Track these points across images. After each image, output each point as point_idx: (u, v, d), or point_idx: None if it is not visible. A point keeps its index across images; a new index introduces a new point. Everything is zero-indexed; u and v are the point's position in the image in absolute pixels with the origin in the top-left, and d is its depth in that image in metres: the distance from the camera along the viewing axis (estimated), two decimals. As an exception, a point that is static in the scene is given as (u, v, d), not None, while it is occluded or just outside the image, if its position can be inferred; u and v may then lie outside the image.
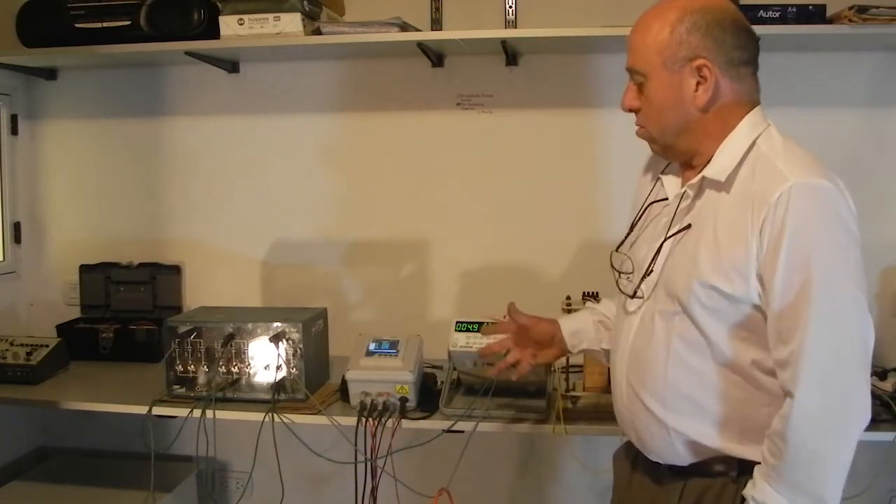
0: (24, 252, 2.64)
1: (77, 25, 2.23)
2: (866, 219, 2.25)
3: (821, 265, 1.17)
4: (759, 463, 1.24)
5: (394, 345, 1.94)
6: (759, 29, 1.93)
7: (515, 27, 2.31)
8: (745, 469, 1.27)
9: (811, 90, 2.23)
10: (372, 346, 1.95)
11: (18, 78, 2.56)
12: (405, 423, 1.86)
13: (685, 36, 1.26)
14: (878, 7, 1.88)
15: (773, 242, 1.18)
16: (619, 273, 1.43)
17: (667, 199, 1.39)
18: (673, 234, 1.32)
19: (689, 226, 1.31)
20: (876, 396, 1.84)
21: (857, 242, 1.20)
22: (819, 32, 1.96)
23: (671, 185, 1.39)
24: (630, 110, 1.35)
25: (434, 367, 2.10)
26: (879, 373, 1.97)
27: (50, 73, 2.57)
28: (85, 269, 2.57)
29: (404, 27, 2.12)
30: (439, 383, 2.00)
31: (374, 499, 1.91)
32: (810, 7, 1.95)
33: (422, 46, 2.20)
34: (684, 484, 1.34)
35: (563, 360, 1.95)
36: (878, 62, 2.20)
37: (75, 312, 2.58)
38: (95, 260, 2.58)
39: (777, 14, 1.95)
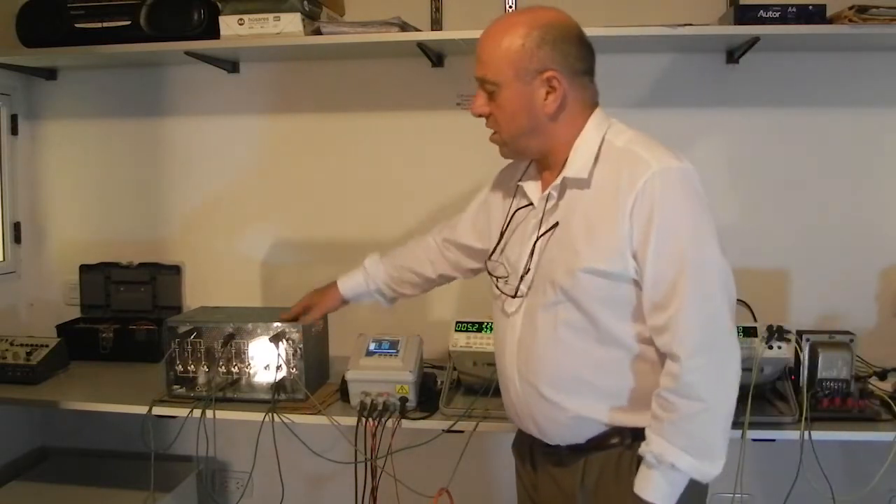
0: (24, 252, 2.64)
1: (77, 25, 2.23)
2: (866, 219, 2.29)
3: (690, 238, 1.30)
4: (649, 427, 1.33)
5: (394, 345, 1.95)
6: (759, 29, 1.96)
7: (515, 27, 2.31)
8: (637, 436, 1.37)
9: (811, 90, 2.23)
10: (372, 346, 1.95)
11: (18, 78, 2.56)
12: (405, 423, 1.86)
13: (535, 49, 1.35)
14: (878, 7, 1.88)
15: (645, 221, 1.29)
16: (497, 278, 1.52)
17: (531, 204, 1.48)
18: (543, 234, 1.42)
19: (556, 224, 1.40)
20: (876, 396, 1.85)
21: (710, 208, 1.33)
22: (819, 32, 1.96)
23: (532, 190, 1.48)
24: (480, 116, 1.45)
25: (434, 367, 2.10)
26: (879, 373, 1.98)
27: (50, 73, 2.57)
28: (85, 269, 2.57)
29: (404, 27, 2.12)
30: (439, 383, 2.00)
31: (374, 499, 1.91)
32: (810, 7, 1.95)
33: (422, 46, 2.20)
34: (585, 460, 1.43)
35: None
36: (878, 62, 2.20)
37: (75, 312, 2.58)
38: (95, 260, 2.58)
39: (777, 14, 1.95)
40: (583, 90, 1.41)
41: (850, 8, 1.90)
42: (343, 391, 1.96)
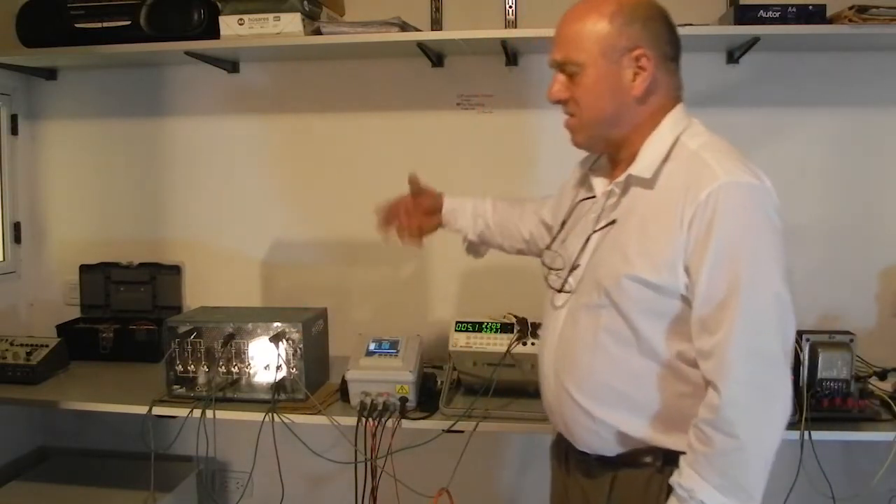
0: (24, 252, 2.64)
1: (77, 25, 2.23)
2: (865, 219, 2.28)
3: (748, 261, 1.20)
4: (684, 453, 1.25)
5: (394, 345, 1.95)
6: (759, 29, 1.96)
7: (515, 27, 2.31)
8: (669, 459, 1.29)
9: (811, 90, 2.23)
10: (372, 346, 1.95)
11: (18, 78, 2.56)
12: (405, 423, 1.86)
13: (623, 27, 1.28)
14: (878, 7, 1.88)
15: (702, 237, 1.20)
16: (550, 269, 1.46)
17: (594, 196, 1.42)
18: (599, 229, 1.35)
19: (613, 221, 1.34)
20: (876, 396, 1.85)
21: (782, 238, 1.23)
22: (819, 32, 1.96)
23: (599, 182, 1.42)
24: (558, 101, 1.36)
25: (434, 367, 2.10)
26: (879, 373, 1.97)
27: (50, 73, 2.57)
28: (85, 269, 2.57)
29: (404, 27, 2.12)
30: (439, 383, 2.00)
31: (374, 499, 1.91)
32: (810, 7, 1.95)
33: (422, 46, 2.20)
34: (614, 476, 1.36)
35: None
36: (878, 62, 2.20)
37: (75, 312, 2.58)
38: (95, 260, 2.58)
39: (777, 14, 1.95)
40: (670, 77, 1.33)
41: (850, 8, 1.90)
42: (343, 391, 1.96)
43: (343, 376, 1.93)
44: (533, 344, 1.84)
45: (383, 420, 1.85)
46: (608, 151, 1.41)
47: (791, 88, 2.24)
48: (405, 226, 1.79)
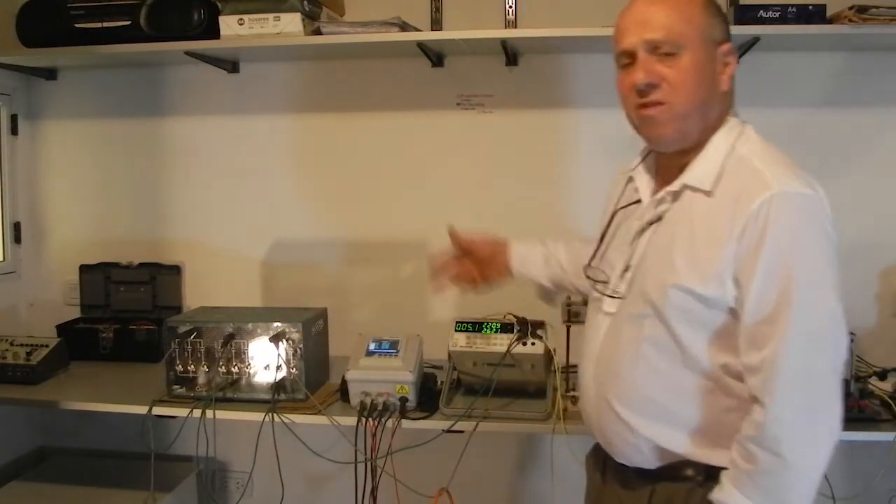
0: (24, 252, 2.64)
1: (77, 25, 2.23)
2: (865, 219, 2.29)
3: (800, 275, 1.16)
4: (725, 468, 1.23)
5: (394, 345, 1.94)
6: (758, 29, 1.96)
7: (515, 27, 2.31)
8: (711, 474, 1.26)
9: (811, 90, 2.23)
10: (372, 346, 1.95)
11: (18, 78, 2.56)
12: (405, 423, 1.86)
13: (716, 19, 1.26)
14: (878, 7, 1.88)
15: (753, 249, 1.17)
16: (595, 282, 1.42)
17: (639, 201, 1.37)
18: (646, 234, 1.32)
19: (660, 229, 1.30)
20: (876, 396, 1.84)
21: (836, 250, 1.19)
22: (819, 32, 1.96)
23: (645, 185, 1.38)
24: (649, 85, 1.25)
25: (434, 367, 2.10)
26: (879, 373, 1.97)
27: (50, 73, 2.57)
28: (85, 269, 2.57)
29: (404, 27, 2.12)
30: (439, 383, 2.00)
31: (374, 499, 1.91)
32: (810, 7, 1.95)
33: (422, 46, 2.20)
34: (652, 489, 1.32)
35: (563, 360, 1.96)
36: (878, 62, 2.20)
37: (75, 312, 2.58)
38: (95, 260, 2.58)
39: (777, 14, 1.95)
40: (734, 80, 1.30)
41: (850, 8, 1.90)
42: (343, 391, 1.96)
43: (343, 376, 1.93)
44: (533, 344, 1.84)
45: (383, 420, 1.85)
46: (678, 148, 1.31)
47: (791, 88, 2.24)
48: (460, 275, 1.74)
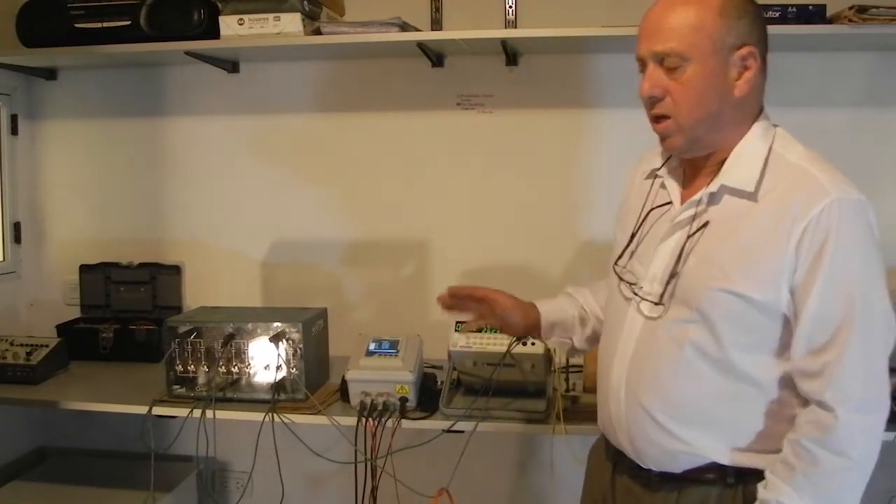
0: (24, 252, 2.64)
1: (77, 25, 2.23)
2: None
3: (862, 282, 1.18)
4: (757, 470, 1.23)
5: (394, 345, 1.94)
6: (758, 29, 1.95)
7: (515, 27, 2.31)
8: (741, 476, 1.26)
9: (811, 90, 2.23)
10: (372, 346, 1.95)
11: (18, 78, 2.56)
12: (405, 423, 1.86)
13: (734, 21, 1.21)
14: (878, 7, 1.88)
15: (814, 256, 1.17)
16: (620, 280, 1.38)
17: (670, 202, 1.34)
18: (691, 236, 1.27)
19: (706, 223, 1.26)
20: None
21: (881, 252, 1.22)
22: (819, 32, 1.96)
23: (674, 188, 1.35)
24: (653, 97, 1.25)
25: (434, 367, 2.10)
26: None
27: (50, 73, 2.57)
28: (85, 269, 2.57)
29: (404, 27, 2.12)
30: (439, 383, 2.00)
31: (374, 499, 1.91)
32: (810, 7, 1.95)
33: (422, 46, 2.20)
34: (678, 492, 1.31)
35: (564, 359, 1.96)
36: (878, 62, 2.20)
37: (75, 312, 2.58)
38: (95, 260, 2.58)
39: (777, 14, 1.94)
40: (764, 80, 1.26)
41: (850, 8, 1.90)
42: (343, 391, 1.96)
43: (343, 376, 1.93)
44: (533, 344, 1.83)
45: (383, 420, 1.85)
46: (698, 155, 1.30)
47: (789, 88, 2.23)
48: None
